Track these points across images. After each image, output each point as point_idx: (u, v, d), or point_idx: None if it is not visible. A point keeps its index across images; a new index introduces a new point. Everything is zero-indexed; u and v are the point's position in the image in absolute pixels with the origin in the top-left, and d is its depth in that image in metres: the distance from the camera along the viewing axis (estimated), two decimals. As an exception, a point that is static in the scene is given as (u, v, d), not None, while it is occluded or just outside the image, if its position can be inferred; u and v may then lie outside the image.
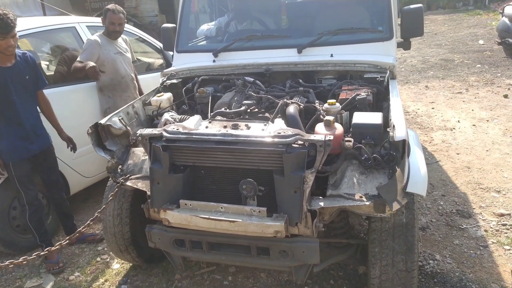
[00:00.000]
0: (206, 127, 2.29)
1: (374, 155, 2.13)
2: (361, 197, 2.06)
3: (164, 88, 3.15)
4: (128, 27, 4.78)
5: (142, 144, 2.30)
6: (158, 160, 2.23)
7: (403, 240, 2.23)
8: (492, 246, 3.17)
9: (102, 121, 2.52)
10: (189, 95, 3.08)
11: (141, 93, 4.27)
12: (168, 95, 2.96)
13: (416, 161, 2.21)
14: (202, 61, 3.32)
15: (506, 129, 5.42)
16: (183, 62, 3.42)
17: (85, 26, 4.32)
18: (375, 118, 2.29)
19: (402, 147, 2.01)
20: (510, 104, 6.35)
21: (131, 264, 3.30)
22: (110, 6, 4.00)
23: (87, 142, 2.61)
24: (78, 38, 4.22)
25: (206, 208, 2.19)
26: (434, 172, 4.45)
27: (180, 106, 3.06)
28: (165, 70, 3.34)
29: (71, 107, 3.88)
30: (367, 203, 2.02)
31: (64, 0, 11.53)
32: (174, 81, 3.19)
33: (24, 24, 3.83)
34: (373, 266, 2.29)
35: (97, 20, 4.41)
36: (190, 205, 2.21)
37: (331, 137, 2.05)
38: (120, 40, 4.17)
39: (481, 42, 11.32)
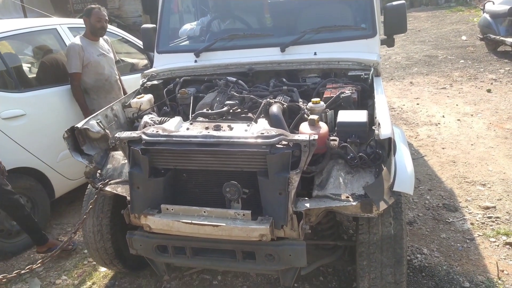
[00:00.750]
0: (187, 128, 2.19)
1: (360, 154, 2.06)
2: (348, 197, 1.99)
3: (144, 89, 3.03)
4: (111, 27, 4.70)
5: (121, 147, 2.18)
6: (137, 164, 2.12)
7: (392, 253, 2.13)
8: (478, 238, 3.17)
9: (79, 125, 2.39)
10: (170, 96, 2.96)
11: (125, 93, 4.17)
12: (149, 96, 2.84)
13: (403, 159, 2.14)
14: (183, 61, 3.20)
15: (490, 123, 5.41)
16: (164, 63, 3.29)
17: (67, 28, 4.24)
18: (360, 116, 2.21)
19: (388, 145, 1.94)
20: (494, 99, 6.36)
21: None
22: (94, 5, 3.95)
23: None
24: (59, 39, 4.14)
25: (189, 213, 2.09)
26: (420, 167, 4.42)
27: (161, 108, 2.94)
28: (145, 71, 3.21)
29: (55, 109, 3.79)
30: (354, 203, 1.95)
31: (45, 2, 11.28)
32: (155, 82, 3.07)
33: (4, 26, 3.76)
34: (361, 278, 2.20)
35: (79, 22, 4.32)
36: (172, 209, 2.10)
37: (316, 137, 1.97)
38: (101, 41, 4.09)
39: (463, 38, 11.32)
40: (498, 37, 8.66)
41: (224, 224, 1.99)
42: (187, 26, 3.84)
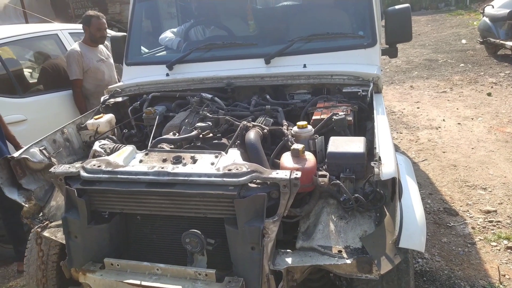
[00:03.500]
0: (140, 161, 1.70)
1: (356, 194, 1.58)
2: (341, 251, 1.51)
3: (106, 108, 2.53)
4: (111, 32, 4.57)
5: (57, 185, 1.70)
6: (73, 207, 1.63)
7: None
8: (479, 243, 3.07)
9: (16, 154, 1.92)
10: (135, 116, 2.47)
11: None
12: (109, 117, 2.34)
13: (411, 203, 1.62)
14: (154, 74, 2.72)
15: (491, 126, 5.25)
16: (133, 76, 2.80)
17: (68, 33, 4.17)
18: (356, 144, 1.73)
19: (392, 187, 1.45)
20: (494, 102, 6.18)
21: None
22: (92, 12, 3.82)
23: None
24: (60, 45, 4.08)
25: (138, 270, 1.60)
26: (421, 171, 4.27)
27: (128, 129, 2.46)
28: (109, 87, 2.73)
29: (56, 115, 3.65)
30: (348, 261, 1.46)
31: (46, 7, 10.96)
32: (119, 99, 2.58)
33: (6, 31, 3.72)
34: None
35: (80, 27, 4.17)
36: (118, 265, 1.62)
37: (299, 174, 1.49)
38: (101, 46, 3.96)
39: (463, 41, 11.00)
40: (498, 40, 8.41)
41: (181, 287, 1.51)
42: (168, 34, 3.35)
